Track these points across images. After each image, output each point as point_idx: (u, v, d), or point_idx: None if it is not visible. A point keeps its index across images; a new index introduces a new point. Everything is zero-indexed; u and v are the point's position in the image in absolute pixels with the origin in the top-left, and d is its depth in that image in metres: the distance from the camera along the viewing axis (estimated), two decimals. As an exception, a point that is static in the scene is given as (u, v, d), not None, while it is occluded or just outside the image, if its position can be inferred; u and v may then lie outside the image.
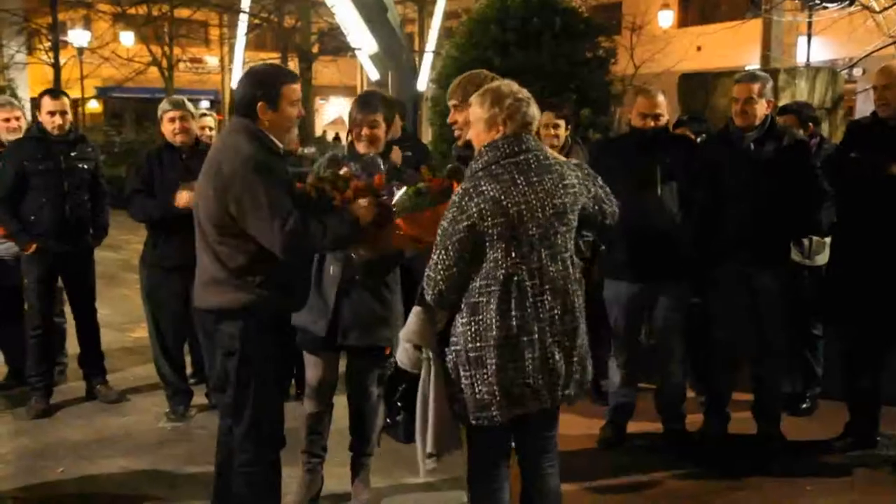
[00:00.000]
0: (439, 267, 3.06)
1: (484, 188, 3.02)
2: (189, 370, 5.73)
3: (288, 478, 3.60)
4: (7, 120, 5.70)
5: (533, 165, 3.09)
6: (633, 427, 4.94)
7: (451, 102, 3.55)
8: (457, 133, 3.57)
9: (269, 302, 3.34)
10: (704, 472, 4.50)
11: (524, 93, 3.16)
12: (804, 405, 5.34)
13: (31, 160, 5.35)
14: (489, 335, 3.04)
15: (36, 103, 5.60)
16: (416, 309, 3.15)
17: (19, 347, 6.00)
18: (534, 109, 3.16)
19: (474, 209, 3.00)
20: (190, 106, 5.31)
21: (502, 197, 3.01)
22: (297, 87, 3.40)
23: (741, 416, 4.85)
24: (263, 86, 3.32)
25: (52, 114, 5.39)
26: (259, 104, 3.29)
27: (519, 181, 3.05)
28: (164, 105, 5.26)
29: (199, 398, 5.55)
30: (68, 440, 5.07)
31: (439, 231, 3.07)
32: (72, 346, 5.94)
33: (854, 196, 4.54)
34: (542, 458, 3.33)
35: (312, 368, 4.13)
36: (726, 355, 4.80)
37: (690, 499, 4.28)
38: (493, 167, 3.06)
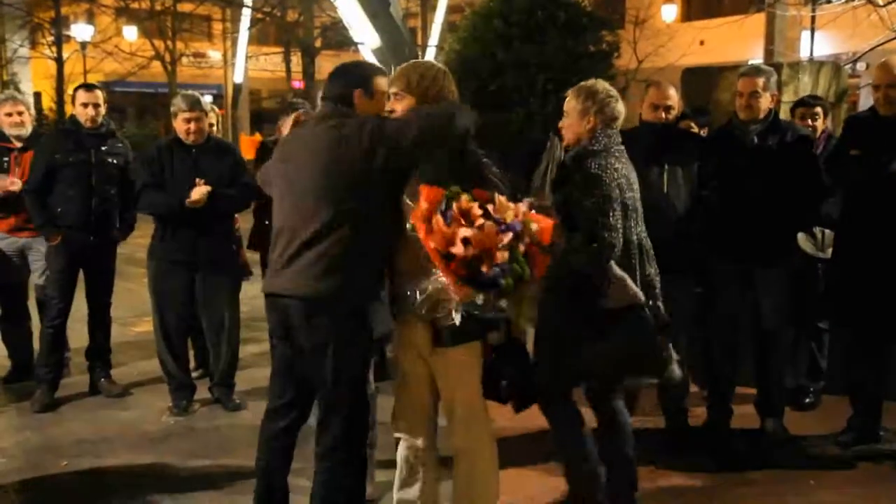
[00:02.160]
0: (617, 225, 3.43)
1: (616, 165, 3.50)
2: (192, 364, 5.74)
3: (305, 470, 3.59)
4: (9, 115, 5.69)
5: (626, 155, 3.62)
6: (635, 421, 4.83)
7: (392, 90, 3.43)
8: None
9: (361, 291, 3.29)
10: (707, 467, 4.49)
11: (614, 91, 3.62)
12: (807, 399, 5.34)
13: (63, 152, 5.40)
14: (630, 294, 3.45)
15: (71, 97, 5.70)
16: (621, 274, 3.46)
17: (23, 342, 6.02)
18: (621, 106, 3.60)
19: (615, 181, 3.46)
20: (204, 103, 5.27)
21: (629, 175, 3.56)
22: (386, 80, 3.47)
23: (744, 410, 4.86)
24: (359, 77, 3.44)
25: (85, 105, 5.44)
26: (356, 91, 3.36)
27: (630, 165, 3.60)
28: (179, 103, 5.17)
29: (202, 392, 5.56)
30: (72, 434, 5.08)
31: (598, 200, 3.40)
32: (75, 339, 5.95)
33: (856, 193, 4.54)
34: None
35: None
36: (729, 350, 4.80)
37: (693, 493, 4.28)
38: (613, 149, 3.54)
